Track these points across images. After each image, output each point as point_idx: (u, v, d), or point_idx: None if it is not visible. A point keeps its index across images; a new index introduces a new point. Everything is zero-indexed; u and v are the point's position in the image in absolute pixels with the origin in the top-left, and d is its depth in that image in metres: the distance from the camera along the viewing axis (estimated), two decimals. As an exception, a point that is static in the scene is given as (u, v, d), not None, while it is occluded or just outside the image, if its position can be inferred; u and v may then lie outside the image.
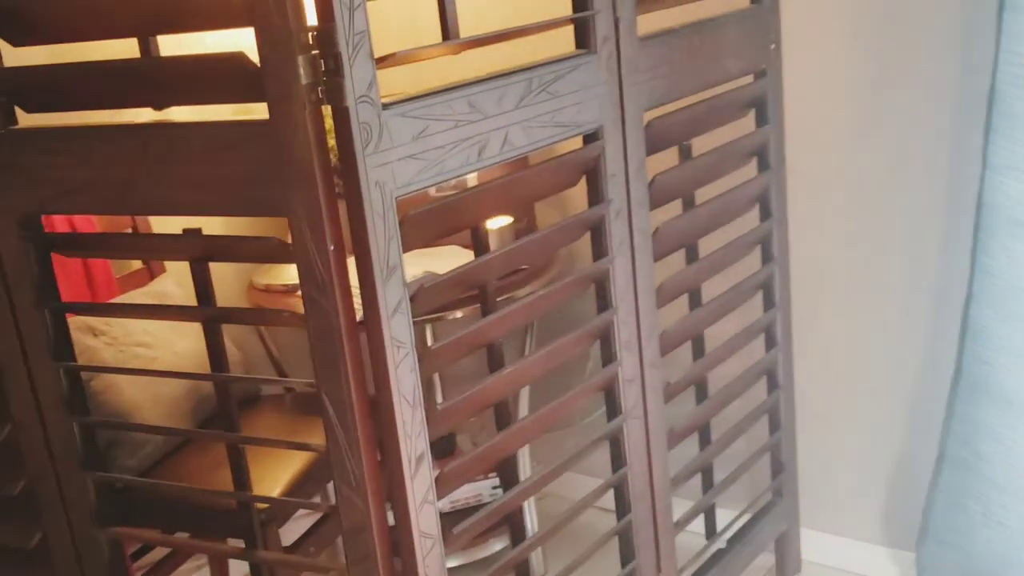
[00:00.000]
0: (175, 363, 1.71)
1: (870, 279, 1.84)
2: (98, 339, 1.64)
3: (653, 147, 1.41)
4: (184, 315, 1.50)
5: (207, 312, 1.19)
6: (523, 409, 2.18)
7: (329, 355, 1.03)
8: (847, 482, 1.96)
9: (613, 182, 1.33)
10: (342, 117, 0.97)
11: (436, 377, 2.34)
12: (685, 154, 1.57)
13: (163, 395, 1.68)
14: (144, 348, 1.69)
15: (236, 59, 0.97)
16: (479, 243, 1.24)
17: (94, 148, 1.09)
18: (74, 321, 1.65)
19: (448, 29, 1.14)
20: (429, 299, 1.09)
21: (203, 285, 1.16)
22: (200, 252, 1.14)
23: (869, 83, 1.73)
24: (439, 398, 2.37)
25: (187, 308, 1.54)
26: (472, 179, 1.43)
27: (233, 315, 1.35)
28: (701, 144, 1.55)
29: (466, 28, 1.18)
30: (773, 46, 1.65)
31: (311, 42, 0.95)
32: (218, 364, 1.20)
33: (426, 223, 1.09)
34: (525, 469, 2.05)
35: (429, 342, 1.99)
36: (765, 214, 1.73)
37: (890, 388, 1.87)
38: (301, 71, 0.94)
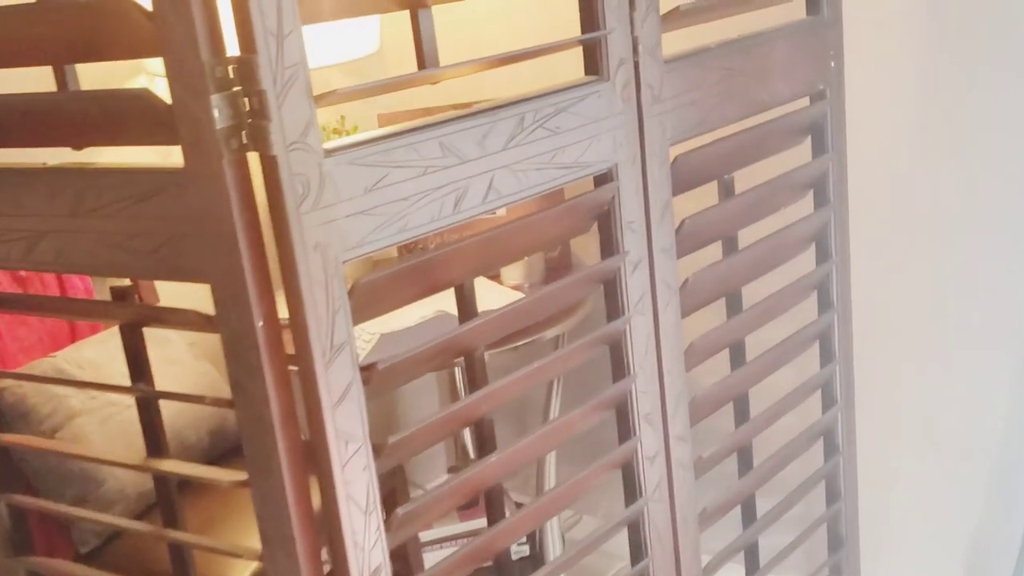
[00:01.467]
0: (156, 412, 1.56)
1: (944, 331, 1.61)
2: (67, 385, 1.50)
3: (682, 186, 1.21)
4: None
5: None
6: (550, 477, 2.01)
7: (260, 451, 0.86)
8: (916, 560, 1.74)
9: (630, 229, 1.13)
10: (269, 168, 0.80)
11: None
12: (726, 189, 1.37)
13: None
14: (119, 394, 1.55)
15: (142, 97, 0.81)
16: (464, 306, 1.06)
17: None
18: (42, 364, 1.52)
19: (424, 57, 0.97)
20: (390, 380, 0.92)
21: (134, 351, 1.00)
22: (126, 319, 0.99)
23: (946, 105, 1.51)
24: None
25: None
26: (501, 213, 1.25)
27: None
28: (746, 176, 1.35)
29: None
30: (834, 63, 1.43)
31: (230, 76, 0.78)
32: (154, 445, 1.04)
33: (384, 290, 0.91)
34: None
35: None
36: (823, 255, 1.51)
37: (967, 455, 1.64)
38: (216, 112, 0.77)
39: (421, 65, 0.97)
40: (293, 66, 0.79)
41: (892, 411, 1.69)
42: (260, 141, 0.79)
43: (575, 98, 1.04)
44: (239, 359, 0.85)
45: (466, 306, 1.05)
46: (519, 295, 1.82)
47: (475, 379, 1.07)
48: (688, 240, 1.23)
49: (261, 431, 0.86)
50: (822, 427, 1.58)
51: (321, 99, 0.82)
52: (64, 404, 1.48)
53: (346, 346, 0.87)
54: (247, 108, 0.79)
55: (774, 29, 1.32)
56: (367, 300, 0.89)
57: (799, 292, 1.49)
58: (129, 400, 1.55)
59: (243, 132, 0.79)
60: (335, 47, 1.77)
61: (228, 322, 0.84)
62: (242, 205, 0.80)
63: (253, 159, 0.81)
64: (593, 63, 1.08)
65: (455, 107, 1.78)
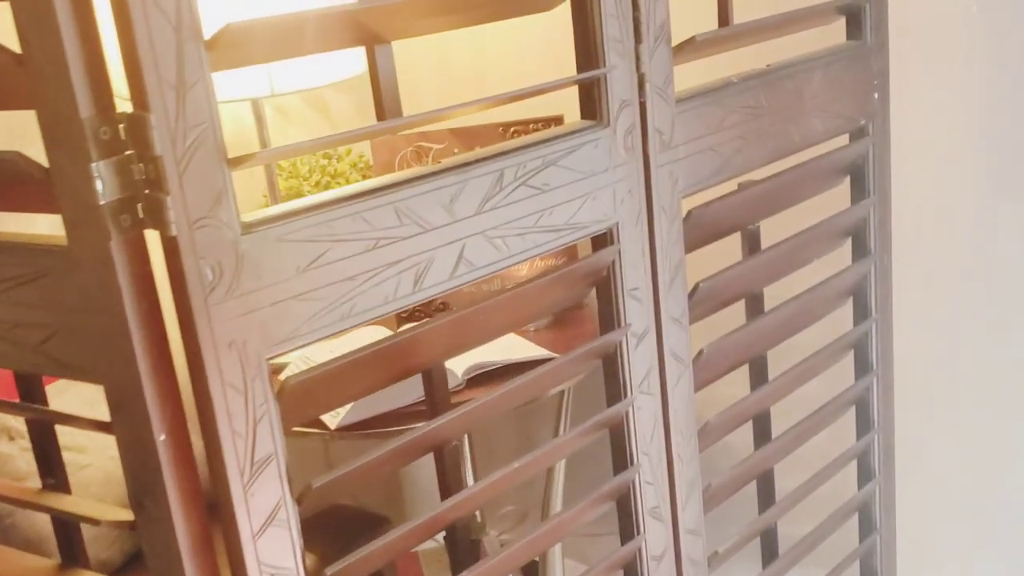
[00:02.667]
0: (111, 470, 1.43)
1: (997, 395, 1.44)
2: (14, 443, 1.37)
3: (697, 242, 1.05)
4: None
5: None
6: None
7: (166, 587, 0.72)
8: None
9: (634, 298, 0.97)
10: (169, 250, 0.65)
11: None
12: (751, 240, 1.21)
13: (107, 496, 1.41)
14: (73, 453, 1.41)
15: (11, 161, 0.66)
16: (433, 394, 0.91)
17: None
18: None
19: (383, 100, 0.81)
20: (323, 497, 0.77)
21: (43, 448, 0.86)
22: (34, 417, 0.85)
23: (1010, 142, 1.34)
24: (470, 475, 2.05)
25: None
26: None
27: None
28: (775, 222, 1.18)
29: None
30: (877, 95, 1.27)
31: (121, 138, 0.63)
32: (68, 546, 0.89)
33: (326, 387, 0.76)
34: None
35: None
36: (861, 313, 1.35)
37: (1020, 534, 1.46)
38: (99, 183, 0.62)
39: (380, 111, 0.82)
40: (200, 125, 0.64)
41: (935, 485, 1.52)
42: (157, 218, 0.64)
43: (567, 148, 0.88)
44: (138, 478, 0.70)
45: (436, 395, 0.90)
46: (521, 341, 1.66)
47: (448, 484, 0.92)
48: (703, 305, 1.07)
49: (168, 564, 0.71)
50: (857, 503, 1.42)
51: (237, 163, 0.67)
52: (10, 464, 1.35)
53: (272, 460, 0.71)
54: (142, 177, 0.64)
55: (808, 57, 1.16)
56: (302, 401, 0.74)
57: (834, 354, 1.33)
58: (86, 460, 1.42)
59: (139, 205, 0.65)
60: (325, 66, 1.62)
61: (124, 433, 0.69)
62: (137, 294, 0.66)
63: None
64: (590, 106, 0.92)
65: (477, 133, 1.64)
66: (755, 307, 1.23)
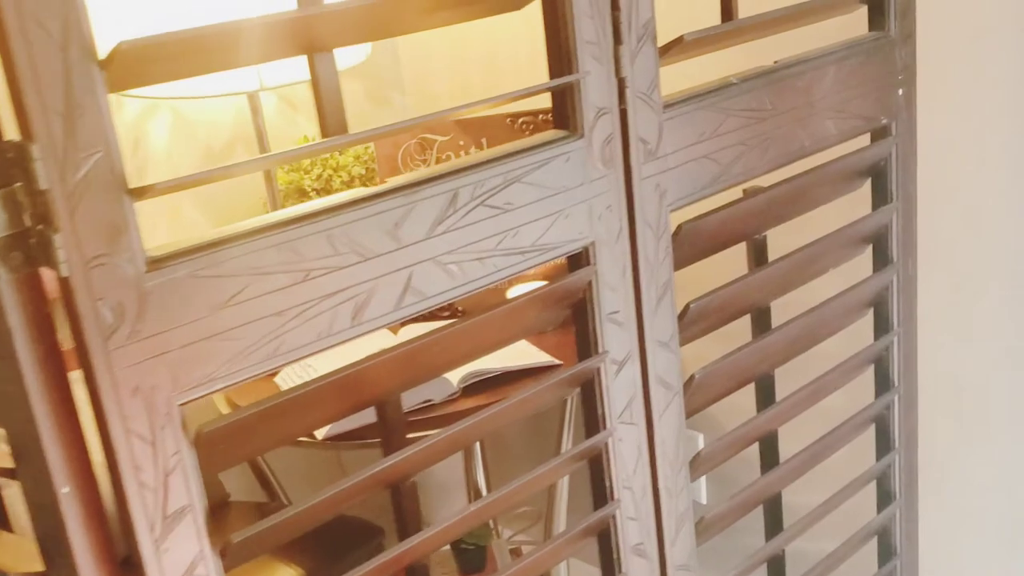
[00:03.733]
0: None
1: (1036, 418, 1.35)
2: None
3: (688, 258, 0.99)
4: None
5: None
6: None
7: (74, 648, 0.67)
8: None
9: (613, 322, 0.91)
10: (65, 290, 0.60)
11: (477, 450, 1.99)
12: (757, 251, 1.14)
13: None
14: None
15: None
16: (389, 432, 0.86)
17: None
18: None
19: (326, 112, 0.76)
20: (249, 551, 0.72)
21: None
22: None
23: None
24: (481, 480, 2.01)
25: None
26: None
27: None
28: (790, 230, 1.11)
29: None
30: (902, 91, 1.18)
31: (7, 169, 0.58)
32: None
33: (246, 438, 0.71)
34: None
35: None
36: (882, 325, 1.27)
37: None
38: (-20, 220, 0.58)
39: (324, 127, 0.76)
40: (94, 154, 0.59)
41: (964, 509, 1.44)
42: (47, 256, 0.59)
43: (533, 164, 0.82)
44: (44, 530, 0.66)
45: (389, 429, 0.85)
46: (523, 345, 1.60)
47: (404, 520, 0.86)
48: (696, 326, 1.00)
49: (75, 622, 0.67)
50: (876, 527, 1.34)
51: (140, 194, 0.62)
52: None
53: (188, 513, 0.67)
54: (32, 210, 0.59)
55: (821, 53, 1.08)
56: (225, 448, 0.69)
57: (852, 370, 1.25)
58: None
59: (31, 241, 0.60)
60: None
61: (27, 483, 0.65)
62: (32, 336, 0.61)
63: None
64: (563, 115, 0.86)
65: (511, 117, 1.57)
66: (762, 322, 1.16)
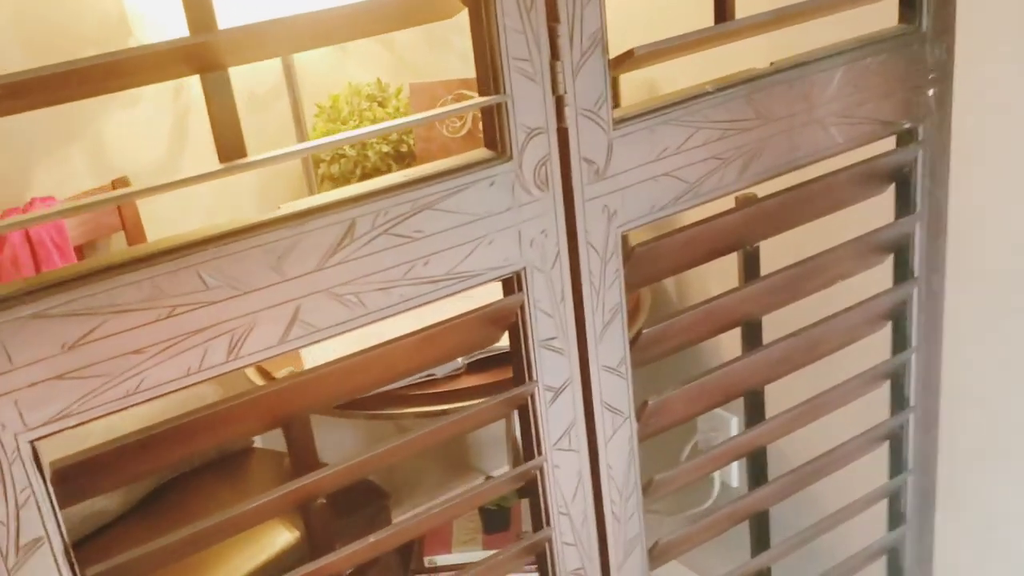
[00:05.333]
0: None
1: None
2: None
3: (645, 280, 0.94)
4: None
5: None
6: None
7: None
8: None
9: (549, 349, 0.88)
10: None
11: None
12: (749, 263, 1.07)
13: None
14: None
15: None
16: (298, 451, 0.85)
17: None
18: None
19: (223, 149, 0.74)
20: (115, 581, 0.73)
21: None
22: None
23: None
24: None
25: None
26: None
27: None
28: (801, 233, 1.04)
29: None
30: (933, 91, 1.08)
31: None
32: None
33: (106, 472, 0.71)
34: None
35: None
36: (900, 341, 1.19)
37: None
38: None
39: (221, 152, 0.74)
40: None
41: (982, 537, 1.36)
42: None
43: (447, 190, 0.78)
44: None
45: (297, 449, 0.84)
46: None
47: (317, 544, 0.86)
48: (651, 350, 0.96)
49: (-63, 637, 0.69)
50: (885, 546, 1.28)
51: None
52: None
53: (43, 544, 0.68)
54: None
55: (830, 51, 0.99)
56: (82, 482, 0.70)
57: (862, 386, 1.18)
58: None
59: None
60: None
61: None
62: None
63: None
64: (490, 136, 0.81)
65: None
66: (752, 336, 1.10)
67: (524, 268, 0.84)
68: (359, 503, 1.56)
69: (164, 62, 0.70)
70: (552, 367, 0.89)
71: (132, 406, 0.70)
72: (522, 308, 0.86)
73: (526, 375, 0.88)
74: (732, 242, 1.02)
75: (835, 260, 1.09)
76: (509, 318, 0.87)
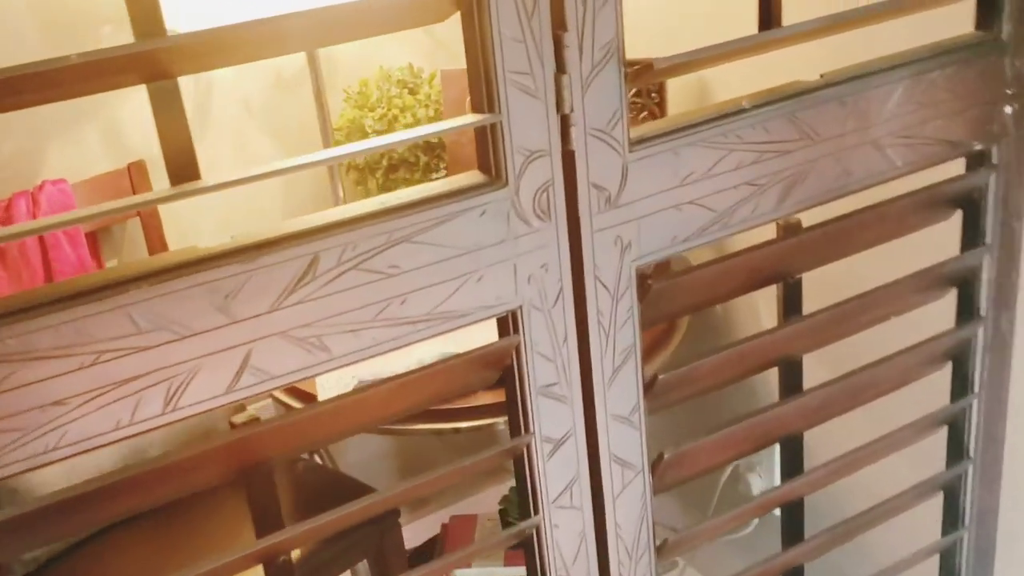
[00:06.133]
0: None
1: None
2: None
3: (664, 317, 0.84)
4: None
5: None
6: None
7: None
8: None
9: (549, 396, 0.79)
10: None
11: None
12: (790, 295, 0.97)
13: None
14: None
15: None
16: (254, 506, 0.77)
17: None
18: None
19: (172, 171, 0.65)
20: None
21: None
22: None
23: None
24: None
25: None
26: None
27: None
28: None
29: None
30: (1012, 109, 0.96)
31: None
32: None
33: (27, 532, 0.64)
34: None
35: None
36: (960, 386, 1.07)
37: None
38: None
39: (172, 171, 0.66)
40: None
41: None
42: None
43: (431, 220, 0.69)
44: None
45: (264, 511, 0.76)
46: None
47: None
48: (669, 396, 0.86)
49: None
50: (935, 607, 1.17)
51: None
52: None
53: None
54: None
55: (891, 62, 0.88)
56: (7, 542, 0.63)
57: (915, 434, 1.07)
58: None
59: None
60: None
61: None
62: None
63: None
64: (484, 158, 0.72)
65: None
66: (791, 376, 1.00)
67: (520, 307, 0.75)
68: (368, 518, 1.49)
69: (105, 71, 0.61)
70: (552, 416, 0.79)
71: (53, 462, 0.62)
72: (517, 351, 0.76)
73: (522, 426, 0.79)
74: (771, 275, 0.91)
75: (890, 296, 0.98)
76: (503, 361, 0.77)
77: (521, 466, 0.81)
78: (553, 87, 0.70)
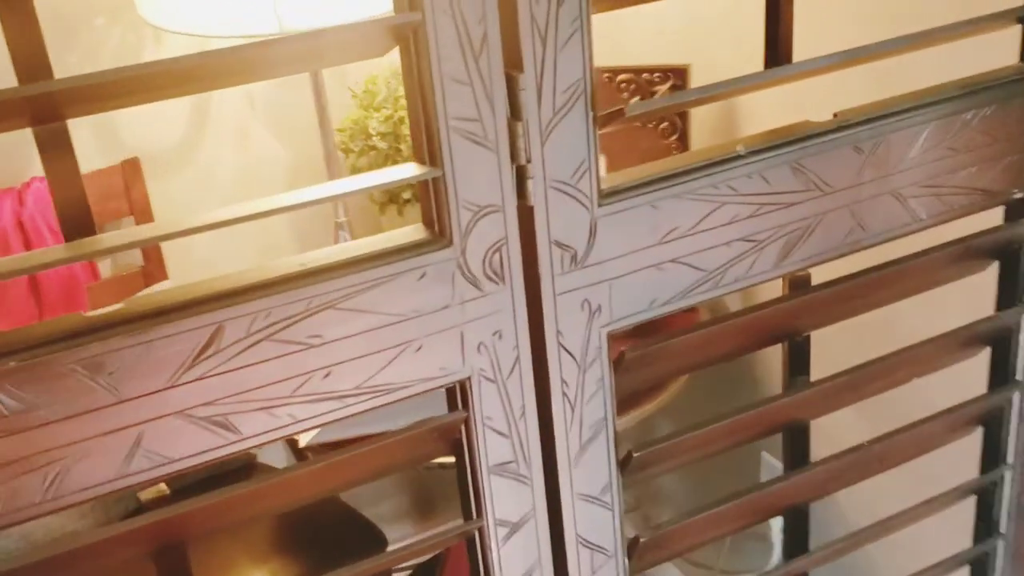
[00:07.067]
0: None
1: None
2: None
3: (640, 387, 0.76)
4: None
5: None
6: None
7: None
8: None
9: (504, 475, 0.71)
10: None
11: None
12: (796, 354, 0.88)
13: None
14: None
15: None
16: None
17: None
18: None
19: (69, 224, 0.58)
20: None
21: None
22: None
23: None
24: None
25: None
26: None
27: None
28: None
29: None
30: (1063, 153, 0.85)
31: None
32: None
33: None
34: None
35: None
36: (992, 457, 0.98)
37: None
38: None
39: (66, 226, 0.59)
40: None
41: None
42: None
43: (358, 286, 0.61)
44: None
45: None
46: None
47: None
48: (648, 472, 0.77)
49: None
50: None
51: None
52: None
53: None
54: None
55: (917, 101, 0.78)
56: None
57: (941, 505, 0.98)
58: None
59: None
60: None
61: None
62: None
63: None
64: (426, 211, 0.64)
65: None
66: (797, 443, 0.91)
67: (468, 378, 0.67)
68: (353, 548, 1.43)
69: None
70: (508, 497, 0.72)
71: (-93, 557, 0.56)
72: (466, 425, 0.68)
73: (472, 508, 0.71)
74: (775, 335, 0.82)
75: (914, 358, 0.88)
76: (453, 435, 0.70)
77: (473, 551, 0.73)
78: (506, 135, 0.62)
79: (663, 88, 1.35)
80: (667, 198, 0.69)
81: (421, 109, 0.60)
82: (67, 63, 1.53)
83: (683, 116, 1.38)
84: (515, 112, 0.62)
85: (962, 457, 1.00)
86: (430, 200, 0.63)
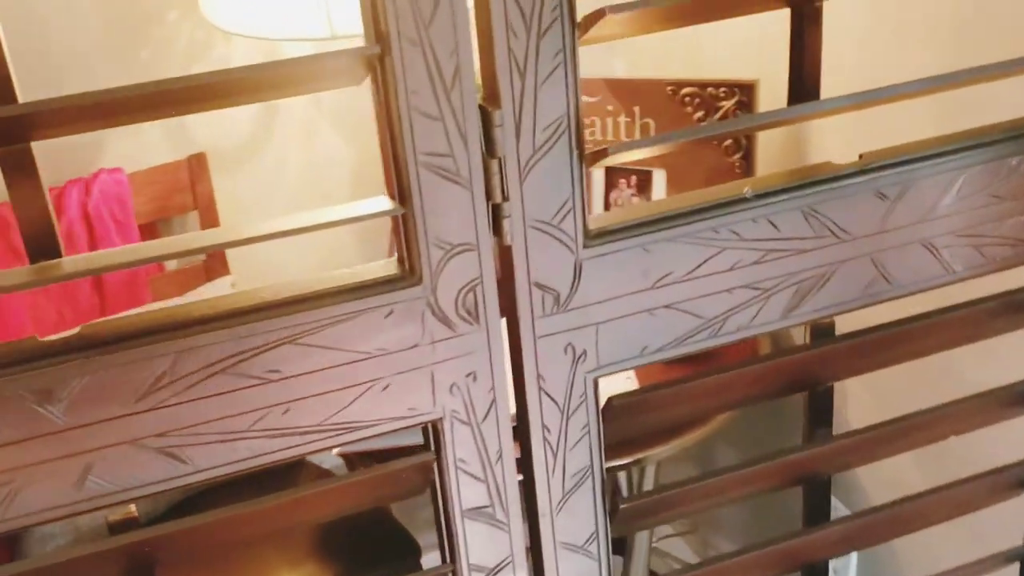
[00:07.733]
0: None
1: None
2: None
3: (630, 436, 0.73)
4: None
5: None
6: None
7: None
8: None
9: (477, 519, 0.69)
10: None
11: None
12: (817, 404, 0.83)
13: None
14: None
15: None
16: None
17: None
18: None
19: (35, 247, 0.58)
20: None
21: None
22: None
23: None
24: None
25: None
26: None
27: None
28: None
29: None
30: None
31: None
32: None
33: None
34: None
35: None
36: (1039, 521, 0.91)
37: None
38: None
39: (31, 249, 0.59)
40: None
41: None
42: None
43: (320, 321, 0.60)
44: None
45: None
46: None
47: None
48: (639, 523, 0.75)
49: None
50: None
51: None
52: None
53: None
54: None
55: (953, 143, 0.73)
56: None
57: (984, 567, 0.92)
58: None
59: None
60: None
61: None
62: None
63: None
64: (398, 248, 0.62)
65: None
66: (815, 495, 0.87)
67: (440, 419, 0.65)
68: (387, 555, 1.43)
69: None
70: (484, 542, 0.70)
71: None
72: (439, 467, 0.67)
73: (445, 553, 0.70)
74: (793, 384, 0.78)
75: (950, 417, 0.83)
76: (426, 476, 0.68)
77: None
78: (481, 172, 0.60)
79: (728, 104, 1.30)
80: (661, 241, 0.66)
81: (389, 142, 0.59)
82: (139, 59, 1.56)
83: (750, 142, 1.33)
84: (490, 149, 0.59)
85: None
86: (400, 235, 0.61)
